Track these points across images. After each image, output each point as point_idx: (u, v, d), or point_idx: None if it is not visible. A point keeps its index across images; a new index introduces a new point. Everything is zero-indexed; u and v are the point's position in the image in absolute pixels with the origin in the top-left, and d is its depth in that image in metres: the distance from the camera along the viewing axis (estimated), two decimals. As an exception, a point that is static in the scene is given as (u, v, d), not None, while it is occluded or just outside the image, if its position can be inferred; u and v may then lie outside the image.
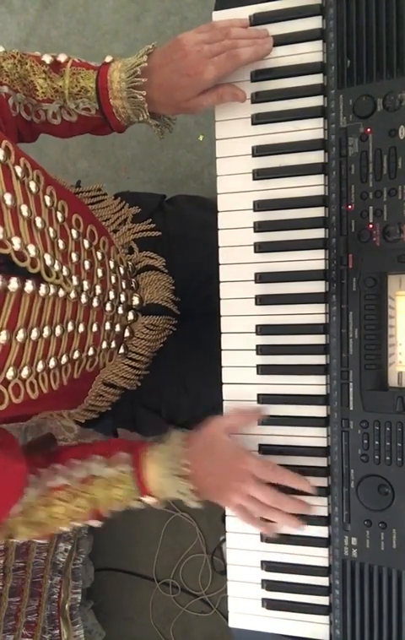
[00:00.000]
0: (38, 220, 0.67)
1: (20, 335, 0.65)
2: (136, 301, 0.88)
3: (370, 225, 0.65)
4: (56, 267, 0.69)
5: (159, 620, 1.65)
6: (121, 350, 0.87)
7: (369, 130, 0.64)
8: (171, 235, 0.92)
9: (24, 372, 0.67)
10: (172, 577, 1.63)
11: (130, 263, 0.89)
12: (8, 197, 0.63)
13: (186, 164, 1.57)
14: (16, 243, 0.63)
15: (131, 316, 0.87)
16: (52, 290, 0.69)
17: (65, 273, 0.71)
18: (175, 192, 1.06)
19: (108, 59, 0.75)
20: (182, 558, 1.61)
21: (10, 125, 0.77)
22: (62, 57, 0.76)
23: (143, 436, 1.13)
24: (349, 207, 0.66)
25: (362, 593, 0.66)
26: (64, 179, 0.90)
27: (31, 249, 0.65)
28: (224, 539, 0.75)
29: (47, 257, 0.68)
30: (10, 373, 0.65)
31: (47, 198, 0.71)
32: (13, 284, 0.63)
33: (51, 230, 0.70)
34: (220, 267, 0.73)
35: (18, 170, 0.66)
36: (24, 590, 1.45)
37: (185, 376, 0.93)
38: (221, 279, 0.73)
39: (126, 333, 0.87)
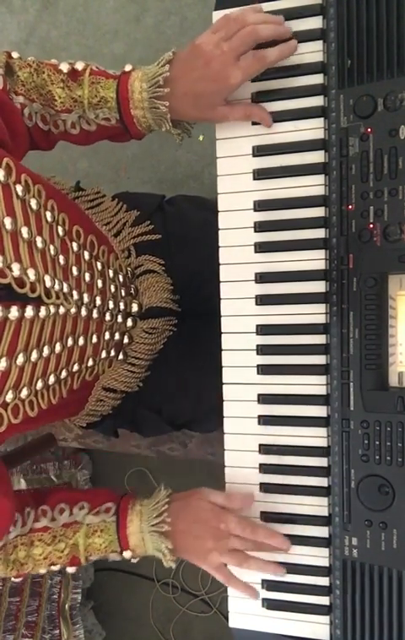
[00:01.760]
0: (38, 240, 0.66)
1: (20, 359, 0.64)
2: (135, 307, 0.87)
3: (371, 225, 0.65)
4: (56, 286, 0.68)
5: (159, 620, 1.65)
6: (121, 357, 0.87)
7: (369, 130, 0.64)
8: (171, 235, 0.91)
9: (24, 393, 0.66)
10: (172, 577, 1.63)
11: (129, 269, 0.88)
12: (8, 222, 0.62)
13: (186, 164, 1.57)
14: (15, 269, 0.62)
15: (130, 322, 0.87)
16: (52, 310, 0.68)
17: (65, 290, 0.70)
18: (175, 192, 1.06)
19: (128, 68, 0.73)
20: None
21: (22, 137, 0.75)
22: (79, 65, 0.73)
23: (143, 436, 1.13)
24: (350, 207, 0.66)
25: (362, 593, 0.66)
26: (64, 179, 0.90)
27: (31, 273, 0.64)
28: (225, 539, 0.75)
29: (47, 279, 0.66)
30: (9, 396, 0.64)
31: (48, 214, 0.70)
32: (14, 312, 0.62)
33: (51, 247, 0.69)
34: (220, 267, 0.73)
35: (19, 188, 0.65)
36: (24, 590, 1.45)
37: (185, 377, 0.93)
38: (221, 279, 0.73)
39: (126, 340, 0.87)
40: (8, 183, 0.64)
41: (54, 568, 0.75)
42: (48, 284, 0.66)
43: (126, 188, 1.00)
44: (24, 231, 0.64)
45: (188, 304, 0.94)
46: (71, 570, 0.76)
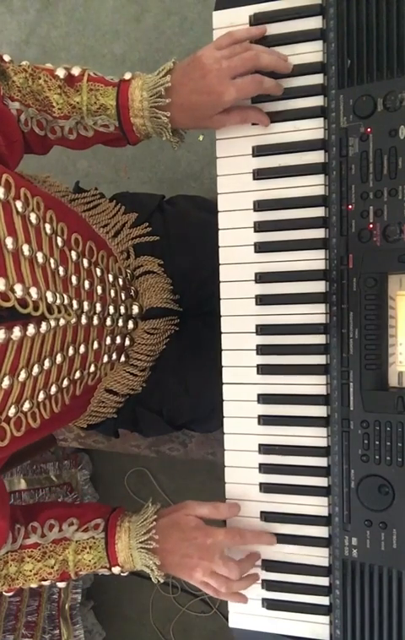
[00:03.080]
0: (39, 255, 0.66)
1: (22, 376, 0.64)
2: (135, 309, 0.86)
3: (371, 225, 0.65)
4: (58, 301, 0.68)
5: (159, 620, 1.65)
6: (123, 359, 0.86)
7: (369, 130, 0.64)
8: (171, 235, 0.91)
9: (26, 406, 0.66)
10: (172, 578, 1.62)
11: (128, 271, 0.88)
12: (9, 241, 0.61)
13: (186, 164, 1.57)
14: (18, 290, 0.61)
15: (131, 325, 0.86)
16: (53, 324, 0.67)
17: (66, 301, 0.70)
18: (175, 192, 1.06)
19: (127, 76, 0.72)
20: (182, 558, 1.61)
21: (17, 144, 0.74)
22: (76, 71, 0.73)
23: (143, 436, 1.13)
24: (350, 207, 0.66)
25: (362, 593, 0.66)
26: (63, 180, 0.90)
27: (33, 292, 0.63)
28: (225, 539, 0.76)
29: (49, 295, 0.66)
30: (12, 410, 0.64)
31: (47, 226, 0.69)
32: (16, 332, 0.62)
33: (51, 260, 0.68)
34: (220, 267, 0.73)
35: (19, 204, 0.64)
36: (24, 590, 1.45)
37: (186, 377, 0.93)
38: (221, 279, 0.73)
39: (127, 342, 0.86)
40: (8, 200, 0.63)
41: (45, 583, 0.76)
42: (50, 299, 0.66)
43: (126, 188, 1.00)
44: (25, 249, 0.64)
45: (188, 304, 0.94)
46: (61, 585, 0.77)
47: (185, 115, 0.71)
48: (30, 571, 0.74)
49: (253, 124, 0.70)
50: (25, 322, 0.64)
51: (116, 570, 0.74)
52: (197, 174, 1.56)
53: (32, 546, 0.74)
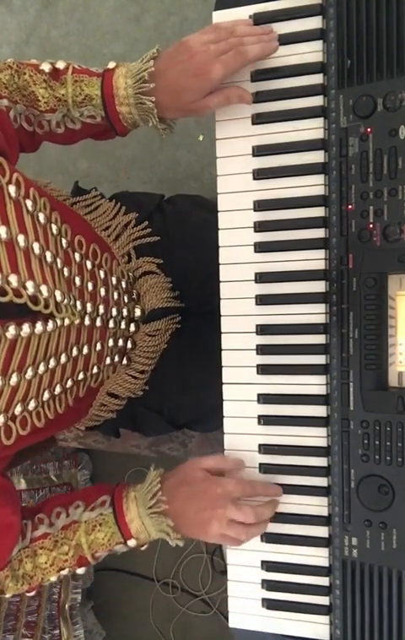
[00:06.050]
0: (48, 254, 0.66)
1: (29, 373, 0.65)
2: (137, 312, 0.87)
3: (371, 225, 0.65)
4: (65, 300, 0.68)
5: (158, 620, 1.65)
6: (124, 362, 0.87)
7: (369, 130, 0.64)
8: (171, 235, 0.91)
9: (31, 405, 0.67)
10: (172, 577, 1.63)
11: (130, 274, 0.88)
12: (21, 239, 0.62)
13: (186, 164, 1.57)
14: (30, 287, 0.62)
15: (132, 327, 0.86)
16: (59, 323, 0.68)
17: (70, 302, 0.70)
18: (175, 192, 1.06)
19: (111, 65, 0.73)
20: (182, 558, 1.61)
21: (13, 140, 0.74)
22: (60, 64, 0.73)
23: (144, 435, 1.13)
24: (349, 207, 0.66)
25: (362, 593, 0.66)
26: (63, 181, 0.90)
27: (44, 289, 0.64)
28: (224, 539, 0.76)
29: (58, 294, 0.67)
30: (18, 409, 0.65)
31: (53, 227, 0.70)
32: (25, 329, 0.63)
33: (58, 260, 0.69)
34: (220, 267, 0.73)
35: (29, 203, 0.65)
36: (24, 590, 1.45)
37: (186, 377, 0.93)
38: (221, 279, 0.73)
39: (129, 345, 0.87)
40: (19, 199, 0.64)
41: (64, 573, 0.74)
42: (59, 298, 0.67)
43: (126, 188, 1.00)
44: (36, 247, 0.64)
45: (189, 303, 0.94)
46: (81, 571, 0.75)
47: (171, 99, 0.71)
48: (45, 562, 0.72)
49: (254, 123, 0.70)
50: (33, 319, 0.64)
51: (132, 543, 0.72)
52: (197, 174, 1.56)
53: (42, 537, 0.73)
